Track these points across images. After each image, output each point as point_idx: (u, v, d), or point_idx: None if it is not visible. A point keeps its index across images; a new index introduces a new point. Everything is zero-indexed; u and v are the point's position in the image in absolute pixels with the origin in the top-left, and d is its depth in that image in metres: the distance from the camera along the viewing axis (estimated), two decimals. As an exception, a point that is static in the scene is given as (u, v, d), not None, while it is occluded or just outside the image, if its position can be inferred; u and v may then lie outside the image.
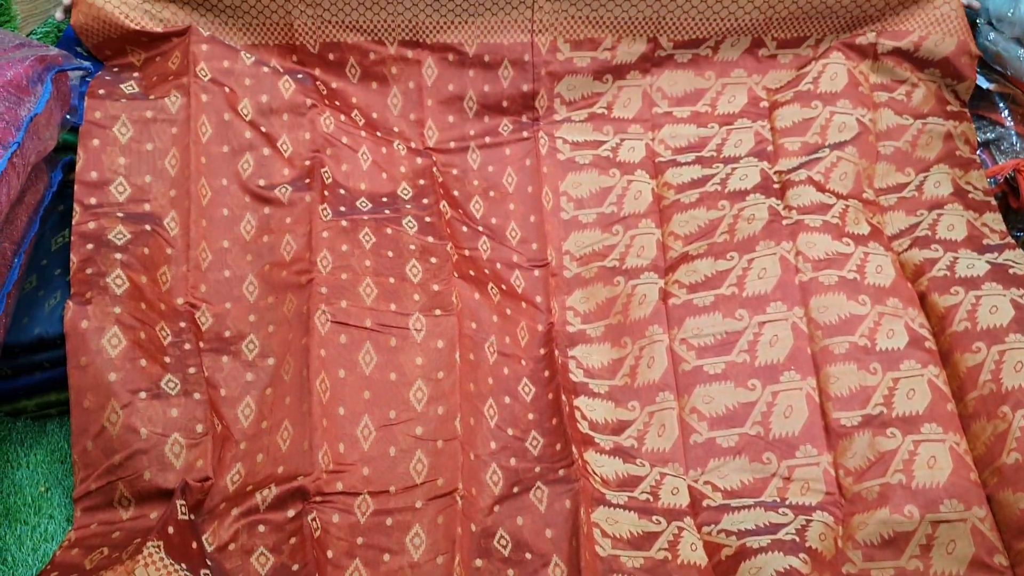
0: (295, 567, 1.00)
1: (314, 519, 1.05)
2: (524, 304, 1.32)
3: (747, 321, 1.25)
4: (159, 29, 1.23)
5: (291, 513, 1.05)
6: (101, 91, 1.23)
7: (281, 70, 1.31)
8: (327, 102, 1.33)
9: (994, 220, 1.34)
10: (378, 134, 1.36)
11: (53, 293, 1.20)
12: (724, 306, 1.26)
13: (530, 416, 1.20)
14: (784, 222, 1.32)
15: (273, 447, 1.10)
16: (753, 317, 1.25)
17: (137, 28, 1.23)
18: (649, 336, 1.27)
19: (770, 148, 1.41)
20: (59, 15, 1.26)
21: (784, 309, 1.25)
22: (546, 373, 1.25)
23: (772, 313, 1.25)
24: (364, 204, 1.30)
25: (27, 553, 1.11)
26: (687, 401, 1.22)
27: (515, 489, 1.11)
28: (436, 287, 1.24)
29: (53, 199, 1.28)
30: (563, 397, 1.21)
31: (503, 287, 1.31)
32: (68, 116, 1.26)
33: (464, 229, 1.35)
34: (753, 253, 1.29)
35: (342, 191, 1.28)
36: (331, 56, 1.35)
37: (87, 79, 1.30)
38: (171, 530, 0.98)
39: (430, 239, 1.29)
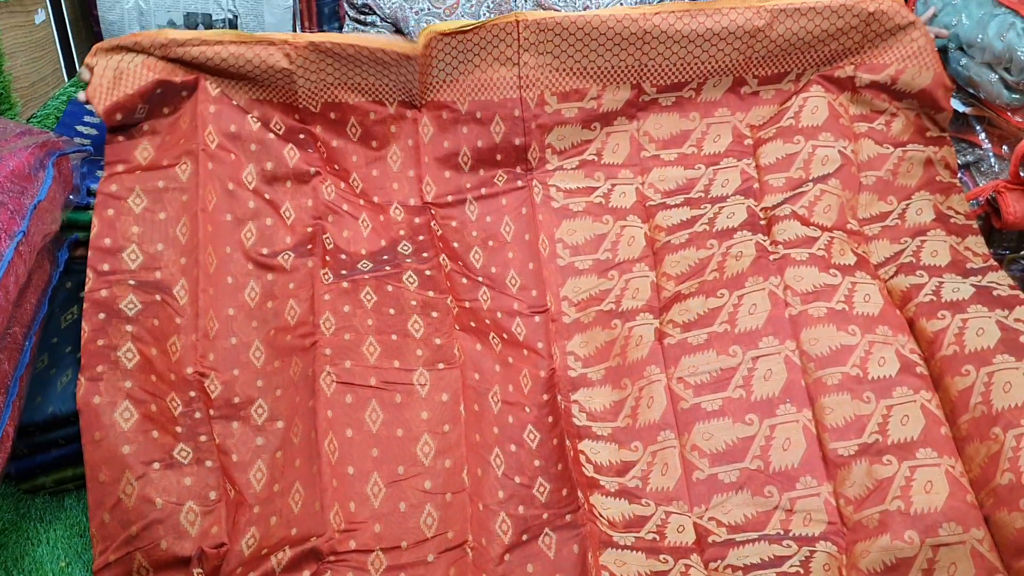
0: None
1: None
2: (526, 351, 1.34)
3: (741, 357, 1.28)
4: (174, 79, 1.24)
5: (307, 574, 1.08)
6: (119, 166, 1.25)
7: (282, 131, 1.34)
8: (328, 168, 1.36)
9: (976, 243, 1.36)
10: (375, 199, 1.38)
11: (65, 371, 1.24)
12: (718, 343, 1.29)
13: (536, 463, 1.23)
14: (771, 257, 1.35)
15: (286, 509, 1.13)
16: (746, 352, 1.28)
17: (151, 81, 1.23)
18: (647, 376, 1.30)
19: (756, 185, 1.45)
20: (82, 96, 1.27)
21: (776, 343, 1.27)
22: (550, 419, 1.27)
23: (764, 348, 1.27)
24: (365, 265, 1.33)
25: (50, 630, 1.14)
26: (687, 439, 1.24)
27: (524, 537, 1.14)
28: (438, 341, 1.27)
29: (60, 277, 1.32)
30: (567, 442, 1.23)
31: (504, 336, 1.34)
32: (71, 196, 1.31)
33: (464, 281, 1.38)
34: (743, 289, 1.32)
35: (343, 256, 1.31)
36: (332, 115, 1.38)
37: (88, 160, 1.34)
38: None
39: (431, 293, 1.32)
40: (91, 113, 1.51)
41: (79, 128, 1.47)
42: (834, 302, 1.30)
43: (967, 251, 1.35)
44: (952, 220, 1.39)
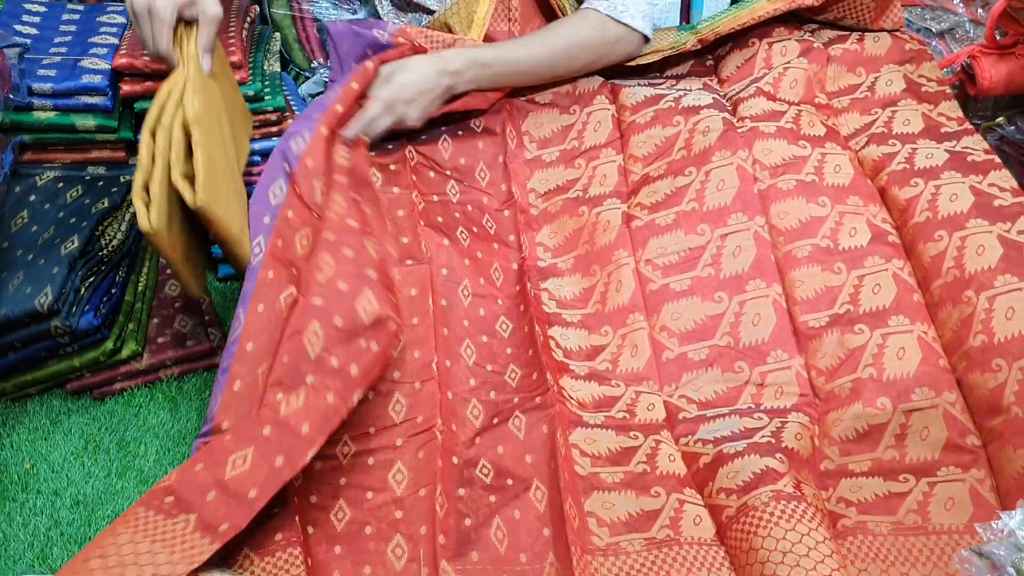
0: (275, 510, 1.01)
1: None
2: (496, 245, 1.32)
3: (709, 235, 1.25)
4: None
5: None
6: None
7: None
8: None
9: (950, 108, 1.33)
10: None
11: (16, 274, 1.20)
12: (685, 222, 1.26)
13: (508, 351, 1.21)
14: (739, 130, 1.32)
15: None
16: (715, 230, 1.25)
17: None
18: (615, 261, 1.27)
19: (717, 84, 1.44)
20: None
21: (745, 219, 1.24)
22: (521, 308, 1.25)
23: (733, 224, 1.25)
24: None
25: (18, 528, 1.12)
26: (656, 320, 1.22)
27: (495, 420, 1.12)
28: (405, 239, 1.24)
29: (7, 181, 1.29)
30: (537, 328, 1.21)
31: (473, 229, 1.31)
32: (11, 96, 1.26)
33: (431, 175, 1.35)
34: (710, 164, 1.29)
35: None
36: None
37: (26, 56, 1.29)
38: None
39: (395, 190, 1.29)
40: (31, 12, 1.45)
41: (17, 27, 1.41)
42: (803, 174, 1.27)
43: (941, 116, 1.31)
44: (924, 88, 1.36)
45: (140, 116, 1.42)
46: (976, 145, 1.26)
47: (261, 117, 1.40)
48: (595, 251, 1.29)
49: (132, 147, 1.43)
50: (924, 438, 1.06)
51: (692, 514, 1.04)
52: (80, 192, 1.32)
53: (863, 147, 1.32)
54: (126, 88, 1.36)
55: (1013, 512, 0.77)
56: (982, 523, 0.82)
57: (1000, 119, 1.40)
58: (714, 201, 1.27)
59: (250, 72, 1.41)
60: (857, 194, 1.25)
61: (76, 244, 1.22)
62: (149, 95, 1.38)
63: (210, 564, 0.92)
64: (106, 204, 1.30)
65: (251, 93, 1.38)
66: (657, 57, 1.43)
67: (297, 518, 1.01)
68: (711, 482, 1.05)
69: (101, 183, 1.34)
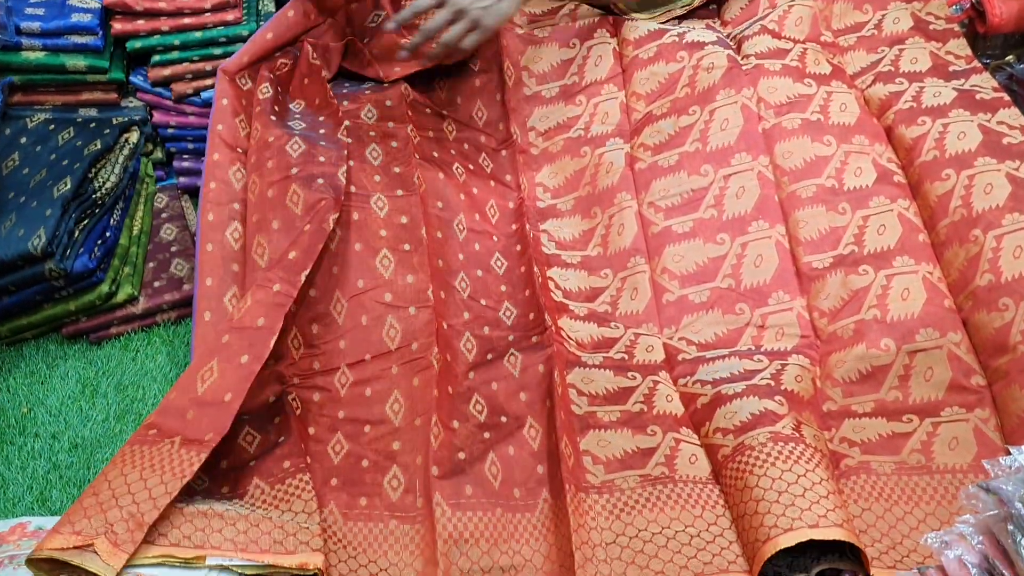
0: (281, 440, 1.01)
1: (294, 399, 1.06)
2: (492, 183, 1.30)
3: (712, 176, 1.23)
4: None
5: (271, 398, 1.06)
6: None
7: None
8: None
9: (959, 46, 1.30)
10: None
11: (7, 217, 1.19)
12: (689, 163, 1.24)
13: (503, 288, 1.20)
14: (744, 68, 1.29)
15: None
16: (718, 171, 1.23)
17: None
18: (618, 203, 1.26)
19: (720, 26, 1.40)
20: None
21: (749, 159, 1.22)
22: (517, 247, 1.24)
23: (737, 165, 1.22)
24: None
25: (16, 471, 1.12)
26: (658, 263, 1.21)
27: (489, 356, 1.11)
28: (397, 169, 1.22)
29: (-1, 122, 1.27)
30: (535, 269, 1.20)
31: (469, 167, 1.29)
32: (-1, 35, 1.23)
33: (427, 111, 1.33)
34: (714, 103, 1.26)
35: None
36: None
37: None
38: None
39: (390, 124, 1.27)
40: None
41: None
42: (809, 112, 1.24)
43: (949, 55, 1.28)
44: (932, 27, 1.32)
45: (133, 57, 1.40)
46: (984, 83, 1.23)
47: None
48: (596, 193, 1.27)
49: (124, 88, 1.41)
50: (928, 379, 1.05)
51: (688, 453, 1.03)
52: (72, 134, 1.30)
53: (869, 85, 1.29)
54: (117, 27, 1.34)
55: (1022, 447, 0.76)
56: (989, 459, 0.81)
57: (1010, 57, 1.37)
58: (718, 141, 1.24)
59: (244, 11, 1.38)
60: (863, 133, 1.22)
61: (69, 186, 1.21)
62: (141, 34, 1.35)
63: (219, 498, 0.93)
64: (99, 146, 1.28)
65: (246, 33, 1.35)
66: (669, 17, 1.40)
67: (303, 446, 1.01)
68: (708, 422, 1.05)
69: (93, 125, 1.32)
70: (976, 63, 1.26)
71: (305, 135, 1.20)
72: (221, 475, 0.99)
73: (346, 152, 1.19)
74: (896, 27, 1.33)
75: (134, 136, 1.35)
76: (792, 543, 0.87)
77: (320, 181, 1.13)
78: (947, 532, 0.82)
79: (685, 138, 1.26)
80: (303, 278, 1.05)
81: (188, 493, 0.93)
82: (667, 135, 1.27)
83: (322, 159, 1.16)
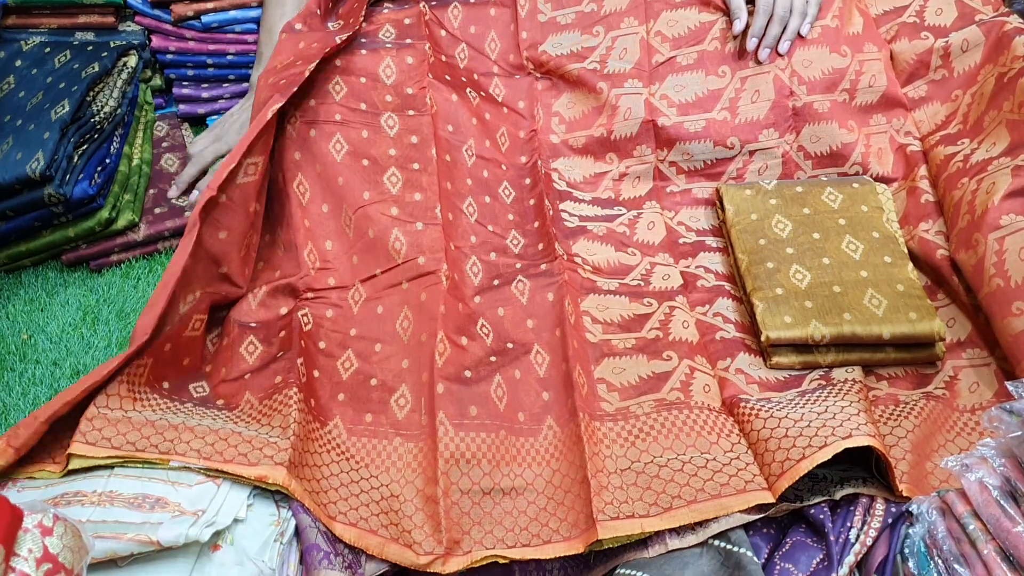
0: (280, 354, 1.01)
1: (305, 315, 1.05)
2: (506, 110, 1.27)
3: (738, 148, 1.22)
4: None
5: (283, 310, 1.05)
6: None
7: None
8: None
9: None
10: None
11: (4, 140, 1.16)
12: (716, 132, 1.22)
13: (510, 216, 1.18)
14: None
15: (274, 256, 1.10)
16: (744, 146, 1.23)
17: None
18: (637, 156, 1.24)
19: None
20: None
21: (776, 136, 1.22)
22: (527, 181, 1.22)
23: (764, 141, 1.23)
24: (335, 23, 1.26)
25: (17, 398, 1.10)
26: (675, 216, 1.22)
27: (495, 282, 1.10)
28: (410, 90, 1.19)
29: (-8, 44, 1.23)
30: (546, 202, 1.18)
31: (482, 93, 1.27)
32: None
33: (443, 33, 1.30)
34: (746, 70, 1.24)
35: None
36: None
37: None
38: (168, 347, 0.96)
39: (408, 40, 1.24)
40: None
41: None
42: (838, 92, 1.22)
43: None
44: None
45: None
46: (1013, 21, 1.19)
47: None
48: (612, 141, 1.25)
49: (121, 12, 1.37)
50: None
51: (702, 382, 1.02)
52: (68, 57, 1.27)
53: (893, 38, 1.26)
54: (113, -53, 1.29)
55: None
56: (1014, 381, 0.79)
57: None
58: (748, 114, 1.22)
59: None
60: (886, 112, 1.23)
61: (67, 109, 1.17)
62: (137, -45, 1.31)
63: (210, 407, 0.96)
64: (96, 69, 1.24)
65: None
66: None
67: (301, 361, 1.00)
68: (730, 359, 1.04)
69: (90, 48, 1.29)
70: (1003, 7, 1.22)
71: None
72: (220, 384, 1.00)
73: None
74: None
75: (132, 60, 1.31)
76: (827, 457, 0.86)
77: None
78: (968, 455, 0.82)
79: (713, 103, 1.23)
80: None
81: (181, 401, 0.95)
82: (694, 95, 1.24)
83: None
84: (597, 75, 1.27)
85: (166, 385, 0.97)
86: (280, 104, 1.06)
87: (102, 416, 0.87)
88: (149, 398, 0.93)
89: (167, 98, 1.45)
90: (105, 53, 1.27)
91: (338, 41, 1.15)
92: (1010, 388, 0.79)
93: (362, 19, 1.22)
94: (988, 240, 1.00)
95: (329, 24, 1.22)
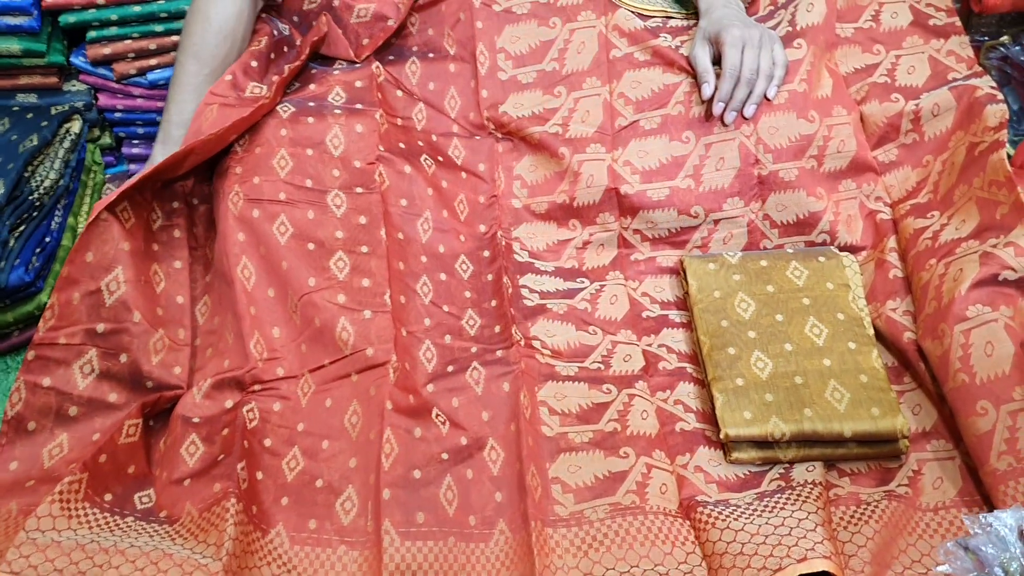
0: (221, 457, 0.98)
1: (251, 410, 1.01)
2: (464, 174, 1.23)
3: (703, 218, 1.18)
4: None
5: (228, 403, 1.01)
6: None
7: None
8: None
9: (960, 45, 1.20)
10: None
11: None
12: (680, 201, 1.18)
13: (467, 294, 1.14)
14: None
15: (222, 342, 1.06)
16: (709, 215, 1.18)
17: None
18: (601, 223, 1.21)
19: None
20: None
21: (741, 204, 1.18)
22: (486, 253, 1.18)
23: (728, 210, 1.19)
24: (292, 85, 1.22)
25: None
26: (638, 287, 1.19)
27: (450, 368, 1.06)
28: (358, 163, 1.15)
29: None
30: (505, 279, 1.14)
31: (439, 158, 1.22)
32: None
33: (399, 94, 1.25)
34: (710, 136, 1.20)
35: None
36: None
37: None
38: (103, 458, 0.94)
39: (358, 106, 1.19)
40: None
41: None
42: (805, 159, 1.17)
43: (950, 56, 1.20)
44: (931, 21, 1.24)
45: (71, 34, 1.31)
46: (984, 84, 1.13)
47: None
48: (575, 208, 1.20)
49: (64, 71, 1.32)
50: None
51: (659, 481, 0.99)
52: (7, 126, 1.22)
53: (863, 100, 1.22)
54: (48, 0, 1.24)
55: (999, 513, 0.72)
56: (970, 515, 0.77)
57: (1004, 38, 1.30)
58: (712, 182, 1.18)
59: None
60: (856, 176, 1.19)
61: (2, 190, 1.13)
62: (75, 7, 1.26)
63: (150, 521, 0.93)
64: (35, 141, 1.19)
65: (188, 7, 1.26)
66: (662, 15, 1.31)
67: (242, 465, 0.97)
68: (689, 455, 1.01)
69: (30, 115, 1.24)
70: (976, 67, 1.18)
71: None
72: (162, 492, 0.97)
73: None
74: (895, 22, 1.24)
75: (76, 126, 1.27)
76: None
77: None
78: (925, 586, 0.80)
79: (676, 171, 1.19)
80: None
81: (122, 515, 0.92)
82: (658, 161, 1.19)
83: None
84: (559, 139, 1.22)
85: (108, 497, 0.94)
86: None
87: (31, 542, 0.85)
88: (87, 514, 0.91)
89: (118, 156, 1.40)
90: (45, 122, 1.23)
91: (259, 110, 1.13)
92: (966, 522, 0.76)
93: (288, 88, 1.20)
94: (954, 332, 0.96)
95: (255, 88, 1.16)
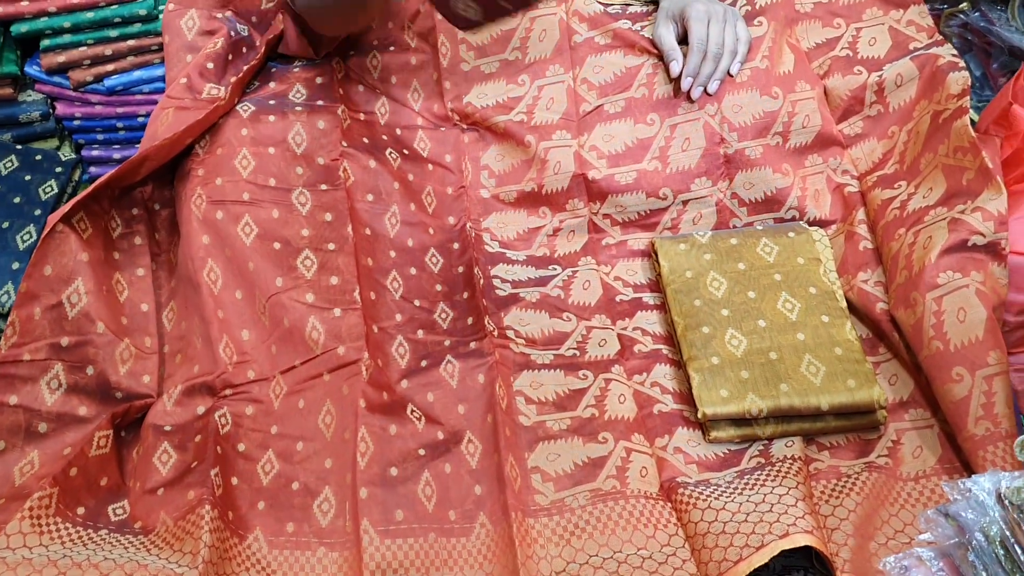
0: (194, 464, 0.97)
1: (223, 415, 1.00)
2: (431, 166, 1.21)
3: (671, 199, 1.18)
4: None
5: (200, 410, 1.00)
6: None
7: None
8: None
9: (920, 14, 1.20)
10: None
11: None
12: (647, 183, 1.17)
13: (438, 287, 1.13)
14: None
15: (191, 348, 1.05)
16: (678, 196, 1.18)
17: None
18: (571, 209, 1.19)
19: None
20: None
21: (709, 184, 1.18)
22: (456, 245, 1.17)
23: (696, 190, 1.18)
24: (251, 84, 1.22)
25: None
26: (611, 271, 1.17)
27: (424, 363, 1.05)
28: (321, 160, 1.14)
29: None
30: (476, 270, 1.13)
31: (404, 151, 1.21)
32: None
33: (360, 88, 1.23)
34: (675, 117, 1.19)
35: None
36: None
37: None
38: (74, 471, 0.92)
39: (319, 102, 1.18)
40: None
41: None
42: (771, 136, 1.17)
43: (910, 26, 1.20)
44: None
45: (24, 43, 1.28)
46: (945, 52, 1.13)
47: (156, 40, 1.26)
48: (544, 195, 1.19)
49: (19, 82, 1.29)
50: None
51: (639, 464, 0.98)
52: (16, 164, 1.23)
53: (826, 74, 1.22)
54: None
55: (978, 478, 0.72)
56: (949, 481, 0.77)
57: (964, 5, 1.29)
58: (679, 163, 1.17)
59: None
60: (822, 151, 1.19)
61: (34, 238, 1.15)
62: (26, 16, 1.23)
63: (125, 533, 0.92)
64: (55, 188, 1.23)
65: (143, 12, 1.24)
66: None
67: (216, 472, 0.96)
68: (668, 436, 1.00)
69: (39, 157, 1.26)
70: (937, 35, 1.17)
71: None
72: (136, 502, 0.96)
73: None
74: None
75: (78, 173, 1.30)
76: (765, 560, 0.84)
77: None
78: (906, 555, 0.79)
79: (643, 154, 1.18)
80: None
81: (96, 528, 0.91)
82: (624, 144, 1.19)
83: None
84: (524, 127, 1.21)
85: (81, 511, 0.93)
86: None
87: (1, 561, 0.83)
88: (59, 529, 0.89)
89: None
90: (60, 168, 1.25)
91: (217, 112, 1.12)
92: (946, 489, 0.76)
93: (247, 88, 1.19)
94: (926, 300, 0.96)
95: (212, 89, 1.14)
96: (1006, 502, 0.69)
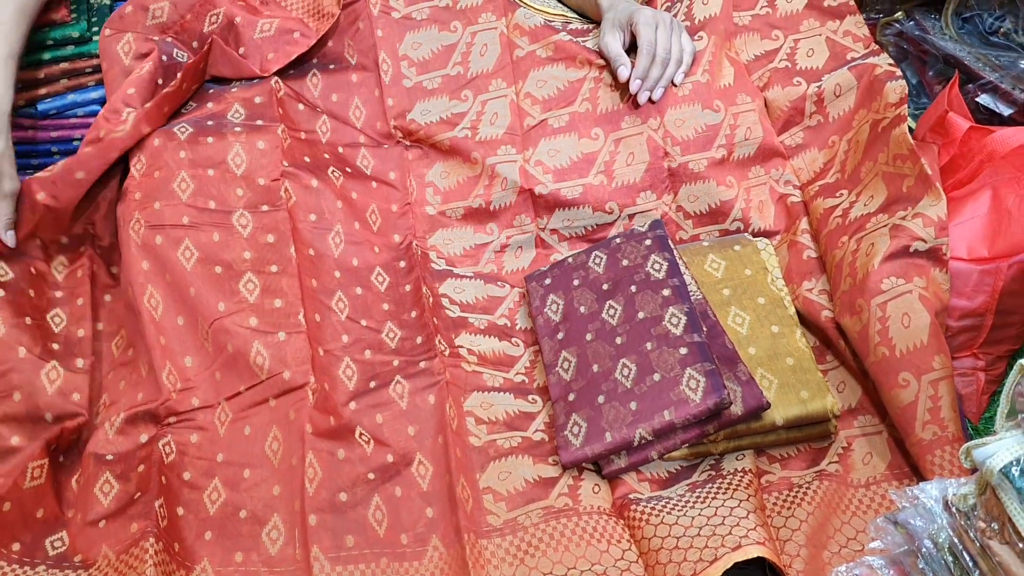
0: (137, 495, 0.95)
1: (167, 443, 0.97)
2: (375, 184, 1.20)
3: (617, 213, 1.17)
4: None
5: (143, 438, 0.98)
6: None
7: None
8: None
9: (856, 24, 1.21)
10: None
11: None
12: (593, 197, 1.17)
13: (385, 306, 1.11)
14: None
15: (135, 374, 1.03)
16: (624, 210, 1.17)
17: None
18: (518, 226, 1.19)
19: None
20: None
21: (653, 198, 1.17)
22: (402, 264, 1.15)
23: (642, 204, 1.18)
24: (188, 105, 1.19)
25: None
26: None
27: (372, 384, 1.03)
28: (262, 181, 1.12)
29: None
30: (424, 288, 1.12)
31: (347, 169, 1.19)
32: None
33: (300, 107, 1.22)
34: (619, 132, 1.19)
35: None
36: None
37: None
38: (7, 506, 0.89)
39: (259, 122, 1.16)
40: None
41: None
42: (715, 149, 1.17)
43: (846, 36, 1.21)
44: (826, 3, 1.24)
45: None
46: (882, 62, 1.14)
47: (89, 63, 1.23)
48: (491, 211, 1.19)
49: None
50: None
51: (591, 482, 0.98)
52: None
53: (765, 85, 1.22)
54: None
55: (925, 486, 0.72)
56: (898, 488, 0.77)
57: (899, 14, 1.32)
58: (624, 177, 1.17)
59: (72, 8, 1.23)
60: (764, 163, 1.19)
61: None
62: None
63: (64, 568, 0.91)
64: None
65: (75, 34, 1.21)
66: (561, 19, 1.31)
67: (160, 503, 0.93)
68: None
69: None
70: (874, 45, 1.18)
71: None
72: (77, 535, 0.93)
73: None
74: (790, 7, 1.24)
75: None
76: (718, 574, 0.83)
77: None
78: (857, 564, 0.79)
79: (588, 169, 1.18)
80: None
81: (32, 564, 0.90)
82: (568, 159, 1.18)
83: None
84: (470, 143, 1.20)
85: (16, 547, 0.90)
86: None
87: None
88: None
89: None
90: None
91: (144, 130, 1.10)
92: (894, 496, 0.76)
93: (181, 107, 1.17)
94: (871, 306, 0.97)
95: (128, 114, 1.11)
96: (953, 509, 0.69)
